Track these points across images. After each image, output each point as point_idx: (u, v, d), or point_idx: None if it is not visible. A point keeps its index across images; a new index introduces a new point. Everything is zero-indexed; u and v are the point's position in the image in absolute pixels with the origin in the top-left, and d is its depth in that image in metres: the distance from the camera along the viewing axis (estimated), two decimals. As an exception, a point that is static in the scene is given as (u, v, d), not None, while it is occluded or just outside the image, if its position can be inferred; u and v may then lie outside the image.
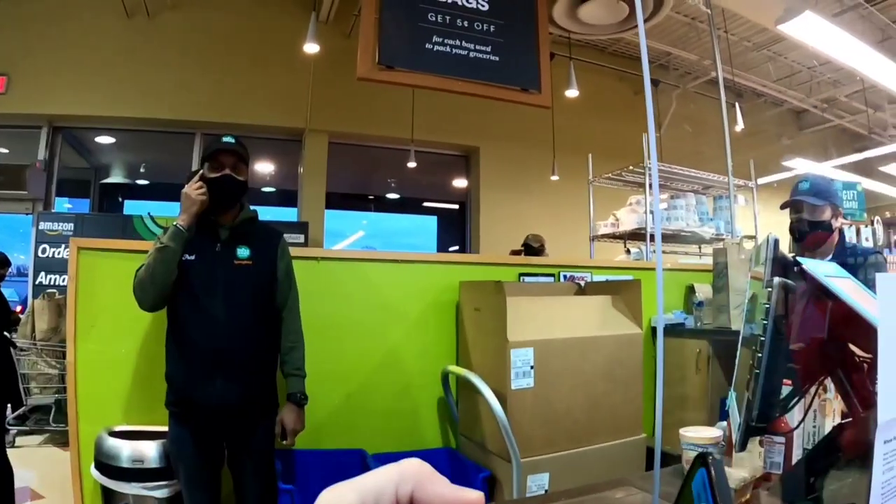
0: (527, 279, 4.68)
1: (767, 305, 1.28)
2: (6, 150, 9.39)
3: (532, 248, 7.66)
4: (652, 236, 6.52)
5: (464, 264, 4.57)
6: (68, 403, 3.44)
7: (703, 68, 11.29)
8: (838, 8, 8.74)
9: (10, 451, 4.45)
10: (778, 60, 11.44)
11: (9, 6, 8.45)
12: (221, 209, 3.11)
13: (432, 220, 12.72)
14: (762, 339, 1.30)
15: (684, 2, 8.44)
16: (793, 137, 14.10)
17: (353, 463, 3.81)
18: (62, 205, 9.74)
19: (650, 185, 6.75)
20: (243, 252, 3.08)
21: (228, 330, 2.97)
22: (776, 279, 1.29)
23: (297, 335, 3.26)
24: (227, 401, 2.95)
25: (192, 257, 3.01)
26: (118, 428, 3.33)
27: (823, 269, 1.39)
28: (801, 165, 12.27)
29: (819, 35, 7.12)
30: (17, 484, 4.53)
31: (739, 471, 1.75)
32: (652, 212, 6.67)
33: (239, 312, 3.00)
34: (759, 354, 1.30)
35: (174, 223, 2.98)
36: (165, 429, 3.13)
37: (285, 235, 3.38)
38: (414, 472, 0.42)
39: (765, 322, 1.29)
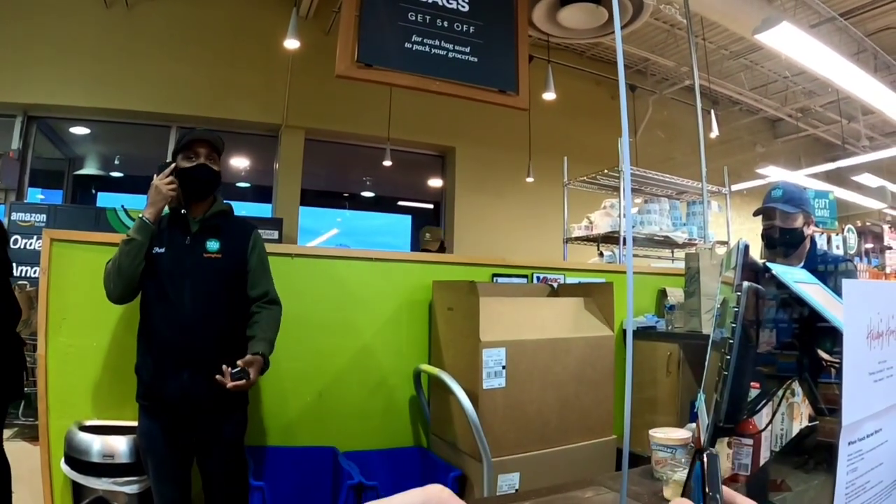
0: (500, 280, 4.70)
1: (737, 310, 1.31)
2: (-22, 140, 9.31)
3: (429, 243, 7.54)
4: (625, 240, 6.56)
5: (437, 263, 4.58)
6: (38, 397, 3.41)
7: (680, 75, 11.36)
8: (815, 20, 8.83)
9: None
10: (754, 69, 11.52)
11: (-18, -8, 8.38)
12: (195, 199, 3.11)
13: (407, 220, 12.71)
14: (731, 342, 1.32)
15: (663, 10, 8.49)
16: (767, 145, 14.21)
17: (324, 460, 3.82)
18: (35, 195, 9.65)
19: (624, 189, 6.80)
20: (213, 245, 3.07)
21: (195, 323, 2.97)
22: (745, 284, 1.31)
23: (270, 308, 3.23)
24: (195, 394, 2.94)
25: (162, 250, 3.02)
26: (89, 422, 3.31)
27: (793, 275, 1.41)
28: (774, 173, 12.34)
29: (795, 46, 7.19)
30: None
31: (707, 472, 1.78)
32: (625, 216, 6.71)
33: (206, 305, 2.99)
34: (728, 357, 1.32)
35: (140, 215, 2.99)
36: (135, 423, 3.12)
37: (259, 231, 3.36)
38: (436, 496, 0.49)
39: (734, 325, 1.31)
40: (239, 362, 2.86)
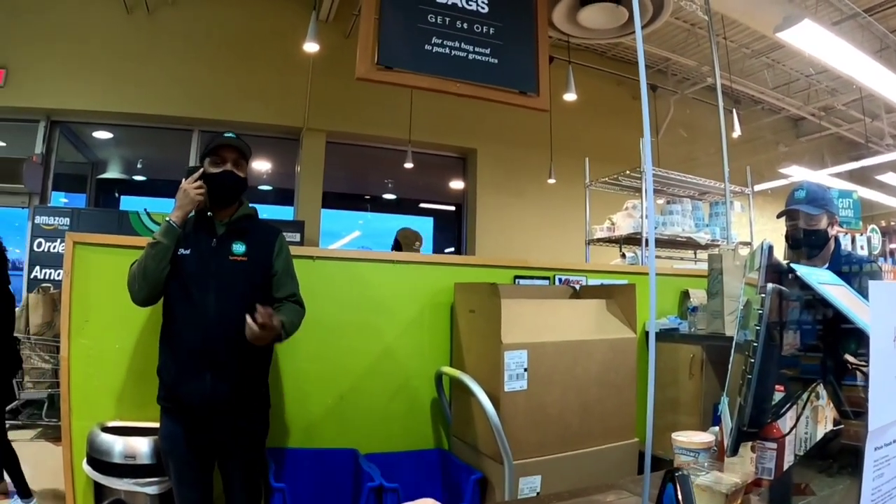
0: (522, 282, 4.68)
1: (761, 311, 1.29)
2: (3, 144, 9.38)
3: (400, 245, 7.35)
4: (647, 241, 6.53)
5: (459, 266, 4.57)
6: (61, 398, 3.43)
7: (702, 74, 11.31)
8: (837, 17, 8.76)
9: (0, 445, 4.49)
10: (776, 68, 11.46)
11: (8, -3, 8.46)
12: (220, 205, 3.10)
13: (428, 222, 12.71)
14: (755, 344, 1.31)
15: (683, 8, 8.44)
16: (790, 145, 14.12)
17: (345, 462, 3.81)
18: (58, 199, 9.73)
19: (646, 190, 6.77)
20: (238, 248, 3.07)
21: (219, 326, 2.96)
22: (770, 285, 1.29)
23: (293, 303, 3.21)
24: (217, 397, 2.94)
25: (188, 251, 3.01)
26: (111, 423, 3.33)
27: (818, 277, 1.40)
28: (797, 173, 12.26)
29: (818, 43, 7.13)
30: (7, 478, 4.55)
31: (731, 476, 1.75)
32: (648, 217, 6.68)
33: (231, 308, 2.97)
34: (752, 360, 1.31)
35: (167, 219, 2.98)
36: (157, 425, 3.13)
37: (284, 234, 3.37)
38: None
39: (758, 328, 1.30)
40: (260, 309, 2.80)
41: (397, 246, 7.16)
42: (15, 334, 5.87)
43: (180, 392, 2.96)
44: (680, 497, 0.63)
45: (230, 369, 2.94)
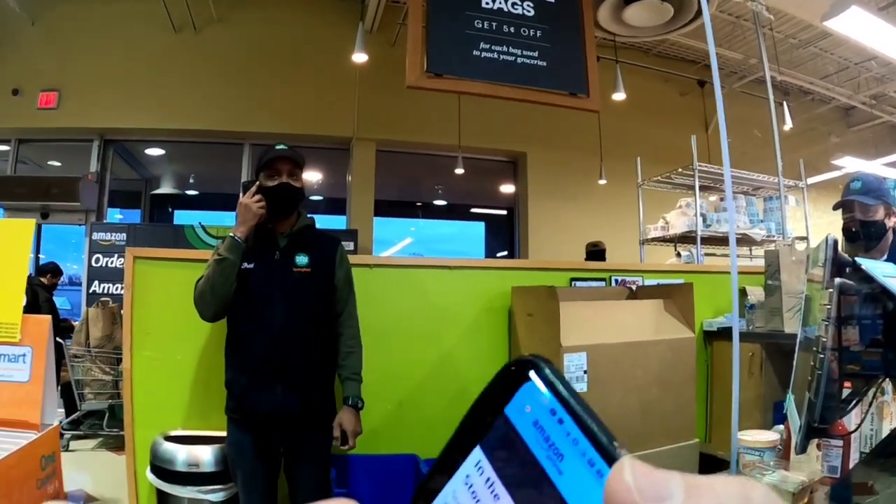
0: (578, 284, 4.68)
1: (829, 307, 1.29)
2: (59, 164, 9.61)
3: (593, 253, 7.65)
4: (703, 239, 6.49)
5: (515, 269, 4.58)
6: (125, 409, 3.50)
7: (749, 67, 11.18)
8: (885, 1, 8.63)
9: (64, 455, 4.56)
10: (824, 57, 11.29)
11: (59, 20, 8.65)
12: (279, 217, 3.14)
13: (480, 226, 12.74)
14: (823, 339, 1.31)
15: (728, 0, 8.38)
16: (841, 135, 13.91)
17: (405, 468, 3.84)
18: (114, 215, 9.92)
19: (700, 188, 6.72)
20: (302, 259, 3.11)
21: (288, 338, 3.00)
22: (837, 280, 1.29)
23: (355, 340, 3.27)
24: (287, 408, 2.98)
25: (251, 266, 3.05)
26: (173, 433, 3.40)
27: (882, 269, 1.39)
28: (850, 164, 12.09)
29: (866, 30, 7.04)
30: (71, 487, 4.64)
31: (797, 474, 1.75)
32: (703, 214, 6.64)
33: (298, 320, 3.03)
34: (821, 356, 1.31)
35: (231, 234, 3.02)
36: (220, 434, 3.19)
37: (343, 244, 3.41)
38: None
39: (826, 323, 1.30)
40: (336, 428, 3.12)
41: (589, 255, 7.83)
42: (76, 347, 6.00)
43: (252, 404, 3.01)
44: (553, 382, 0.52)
45: (299, 380, 3.00)
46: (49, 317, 2.17)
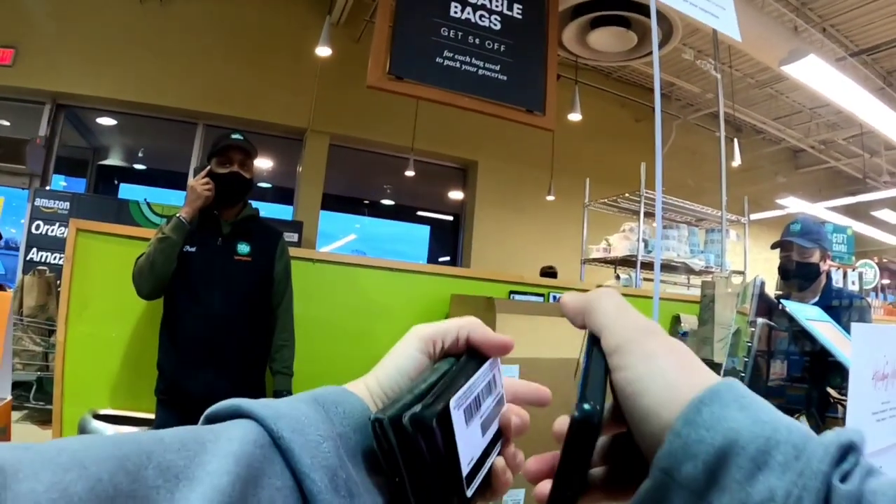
0: (517, 297, 4.73)
1: (750, 343, 1.35)
2: (7, 123, 9.39)
3: (546, 276, 7.77)
4: (643, 264, 6.59)
5: (456, 277, 4.60)
6: (55, 383, 3.44)
7: (705, 101, 11.38)
8: (842, 53, 8.86)
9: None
10: (779, 99, 11.55)
11: (21, -20, 8.51)
12: (226, 205, 3.17)
13: (425, 230, 12.74)
14: (742, 374, 1.36)
15: (691, 34, 8.52)
16: (788, 175, 14.20)
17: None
18: (58, 182, 9.75)
19: (644, 213, 6.82)
20: (243, 248, 3.14)
21: (223, 323, 3.03)
22: (760, 319, 1.35)
23: (289, 334, 3.31)
24: (216, 392, 2.96)
25: (193, 249, 3.07)
26: (103, 411, 3.35)
27: (806, 313, 1.46)
28: (794, 204, 12.35)
29: (821, 78, 7.23)
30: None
31: None
32: (644, 240, 6.74)
33: (234, 307, 3.06)
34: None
35: (177, 214, 3.04)
36: (150, 416, 3.18)
37: (285, 237, 3.44)
38: (470, 321, 0.65)
39: (745, 359, 1.35)
40: None
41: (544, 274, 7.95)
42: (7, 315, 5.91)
43: (181, 386, 3.02)
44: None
45: (231, 365, 3.02)
46: (9, 294, 2.16)
